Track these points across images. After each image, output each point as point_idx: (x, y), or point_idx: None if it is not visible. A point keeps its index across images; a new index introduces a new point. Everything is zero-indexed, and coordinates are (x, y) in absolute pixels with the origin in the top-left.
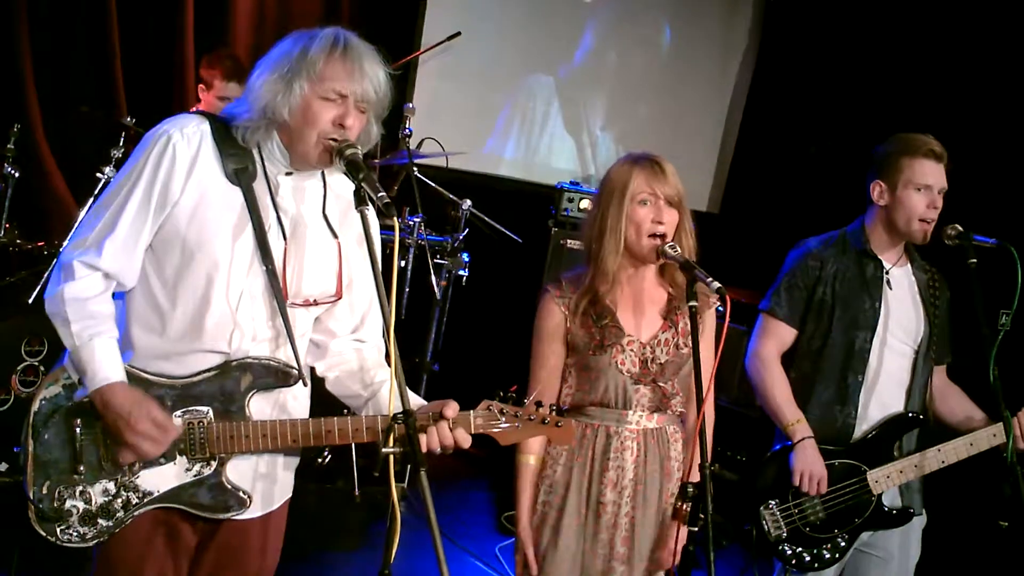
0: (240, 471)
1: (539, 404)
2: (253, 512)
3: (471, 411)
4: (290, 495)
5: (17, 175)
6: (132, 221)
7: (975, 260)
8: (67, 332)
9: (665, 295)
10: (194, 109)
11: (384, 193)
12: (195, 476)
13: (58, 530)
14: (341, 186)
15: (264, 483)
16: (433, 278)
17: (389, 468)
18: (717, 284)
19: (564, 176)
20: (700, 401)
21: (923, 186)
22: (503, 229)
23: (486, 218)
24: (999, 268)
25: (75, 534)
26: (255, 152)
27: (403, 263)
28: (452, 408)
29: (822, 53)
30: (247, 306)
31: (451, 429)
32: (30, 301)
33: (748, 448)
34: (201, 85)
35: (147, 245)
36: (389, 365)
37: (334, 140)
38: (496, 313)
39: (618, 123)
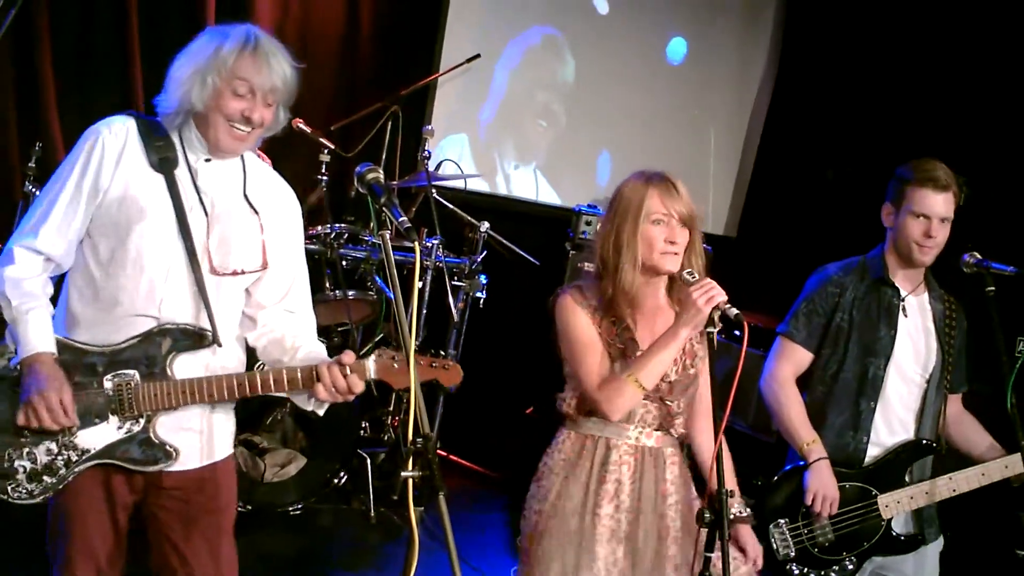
0: (167, 427)
1: (426, 351)
2: (187, 464)
3: (366, 359)
4: (231, 451)
5: (37, 194)
6: (65, 208)
7: (993, 288)
8: (7, 308)
9: (674, 314)
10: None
11: (405, 217)
12: (126, 433)
13: (9, 488)
14: (260, 169)
15: (196, 437)
16: (451, 300)
17: (408, 491)
18: (735, 311)
19: (581, 198)
20: (717, 427)
21: (921, 214)
22: (521, 252)
23: (504, 240)
24: (1018, 296)
25: (24, 491)
26: (177, 141)
27: (421, 285)
28: (348, 355)
29: (840, 76)
30: (172, 277)
31: (345, 375)
32: None
33: (765, 472)
34: None
35: (82, 231)
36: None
37: (240, 129)
38: (513, 336)
39: (635, 146)
